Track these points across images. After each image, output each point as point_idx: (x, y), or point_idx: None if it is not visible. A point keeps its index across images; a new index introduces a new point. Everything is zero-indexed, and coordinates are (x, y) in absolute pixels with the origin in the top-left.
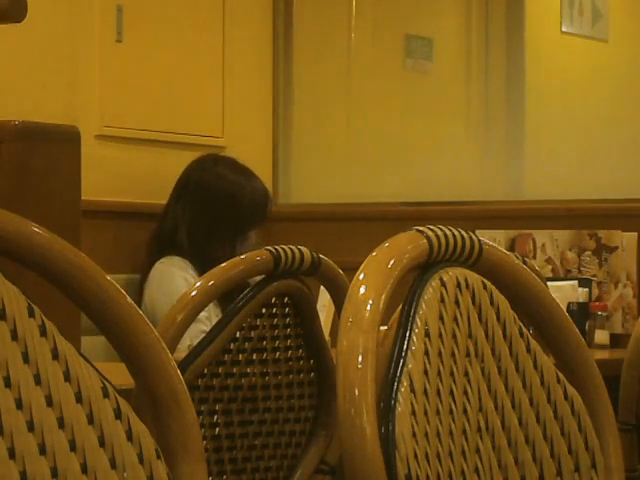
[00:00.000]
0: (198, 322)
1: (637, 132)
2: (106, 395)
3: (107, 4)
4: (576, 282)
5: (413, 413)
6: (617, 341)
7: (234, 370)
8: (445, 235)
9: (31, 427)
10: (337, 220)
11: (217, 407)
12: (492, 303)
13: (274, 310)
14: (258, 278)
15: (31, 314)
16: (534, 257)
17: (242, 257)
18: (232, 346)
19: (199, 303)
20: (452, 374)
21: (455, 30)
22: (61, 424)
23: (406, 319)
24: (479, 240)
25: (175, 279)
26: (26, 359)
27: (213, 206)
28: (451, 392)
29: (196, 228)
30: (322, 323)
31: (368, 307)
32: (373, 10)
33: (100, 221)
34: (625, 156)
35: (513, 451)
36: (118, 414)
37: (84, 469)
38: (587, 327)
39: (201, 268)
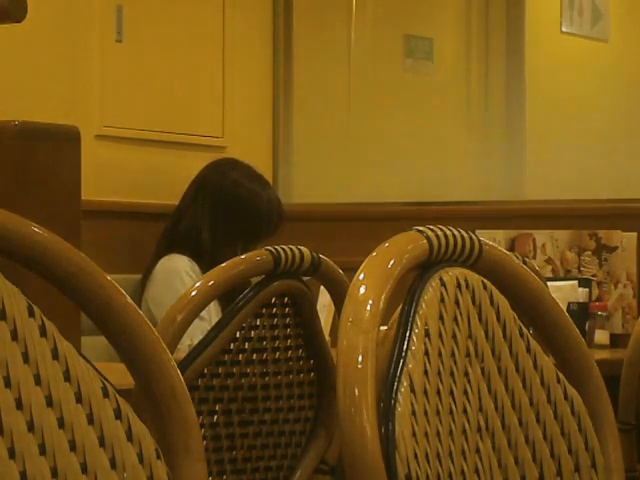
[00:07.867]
0: (201, 320)
1: (637, 132)
2: (106, 395)
3: (107, 4)
4: (576, 282)
5: (413, 413)
6: (617, 341)
7: (234, 370)
8: (445, 235)
9: (31, 427)
10: (337, 220)
11: (217, 407)
12: (492, 303)
13: (274, 310)
14: (258, 278)
15: (31, 314)
16: (534, 257)
17: (242, 257)
18: (232, 346)
19: (199, 303)
20: (452, 374)
21: (455, 30)
22: (61, 424)
23: (406, 319)
24: (479, 240)
25: (181, 275)
26: (26, 359)
27: (230, 211)
28: (451, 392)
29: (216, 230)
30: (322, 323)
31: (368, 307)
32: (373, 10)
33: (100, 221)
34: (625, 156)
35: (513, 451)
36: (118, 414)
37: (84, 469)
38: (587, 327)
39: (206, 269)
